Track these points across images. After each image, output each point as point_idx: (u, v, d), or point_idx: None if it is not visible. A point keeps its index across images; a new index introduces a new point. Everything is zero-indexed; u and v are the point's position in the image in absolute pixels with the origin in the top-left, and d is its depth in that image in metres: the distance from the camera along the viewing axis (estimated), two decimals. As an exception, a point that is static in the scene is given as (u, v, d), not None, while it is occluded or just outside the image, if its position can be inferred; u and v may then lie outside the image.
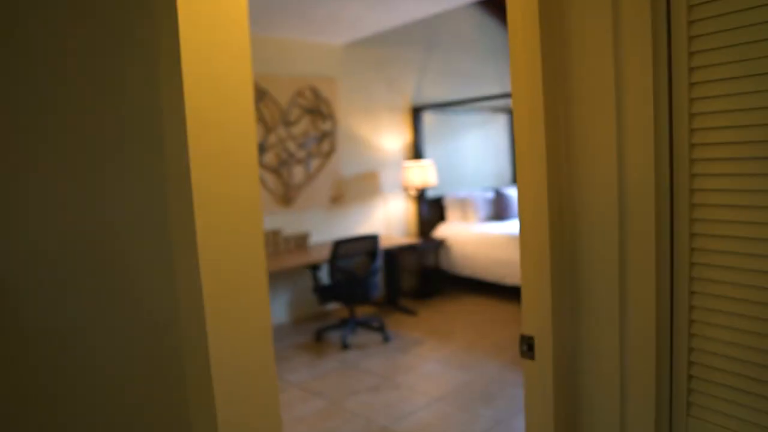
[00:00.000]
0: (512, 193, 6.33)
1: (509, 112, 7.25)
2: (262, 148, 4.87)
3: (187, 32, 1.00)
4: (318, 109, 5.25)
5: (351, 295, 4.43)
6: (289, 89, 5.04)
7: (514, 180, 7.31)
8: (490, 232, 5.61)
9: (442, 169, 6.33)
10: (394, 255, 5.42)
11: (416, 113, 6.01)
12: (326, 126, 5.33)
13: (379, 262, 4.52)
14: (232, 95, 1.08)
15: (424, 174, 5.61)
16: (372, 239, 4.45)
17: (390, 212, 5.94)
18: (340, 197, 5.46)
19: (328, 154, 5.36)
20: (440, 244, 5.83)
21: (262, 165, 4.88)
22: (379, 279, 4.90)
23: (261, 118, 4.85)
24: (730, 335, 1.02)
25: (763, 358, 0.98)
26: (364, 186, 5.70)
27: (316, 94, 5.22)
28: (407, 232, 6.05)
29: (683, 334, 1.08)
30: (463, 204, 6.19)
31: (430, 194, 6.21)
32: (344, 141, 5.50)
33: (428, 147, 6.23)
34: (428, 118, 6.25)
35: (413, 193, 5.95)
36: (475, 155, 6.82)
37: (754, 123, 0.96)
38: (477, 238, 5.65)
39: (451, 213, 6.26)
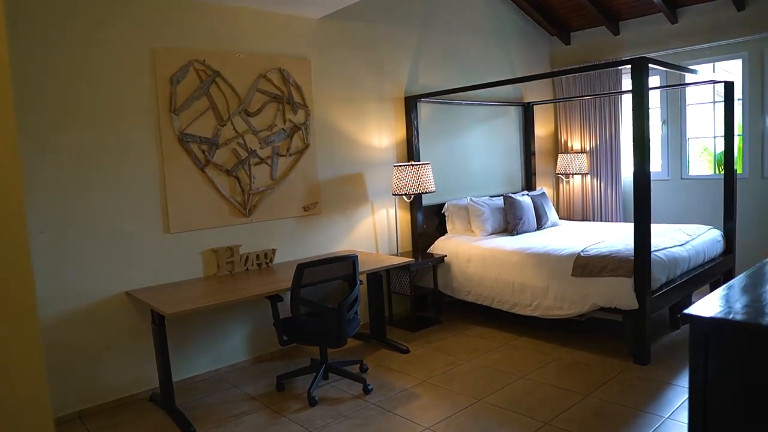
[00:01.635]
0: (526, 200, 5.30)
1: (522, 105, 6.23)
2: (213, 144, 3.85)
3: None
4: (287, 97, 4.24)
5: (319, 335, 3.40)
6: (250, 71, 4.03)
7: (529, 185, 6.28)
8: (500, 247, 4.58)
9: (442, 171, 5.31)
10: (381, 277, 4.39)
11: (410, 104, 5.00)
12: (297, 117, 4.31)
13: (358, 290, 3.49)
14: None
15: (419, 177, 4.59)
16: (348, 261, 3.43)
17: (378, 224, 4.92)
18: (314, 205, 4.44)
19: (300, 153, 4.35)
20: (439, 262, 4.81)
21: (215, 165, 3.87)
22: (361, 307, 3.88)
23: (212, 106, 3.84)
24: None
25: None
26: (346, 191, 4.68)
27: (284, 77, 4.21)
28: (399, 248, 5.03)
29: None
30: (467, 213, 5.16)
31: (427, 201, 5.19)
32: (321, 136, 4.48)
33: (425, 145, 5.21)
34: (425, 111, 5.24)
35: (407, 200, 4.93)
36: (481, 155, 5.80)
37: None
38: (484, 254, 4.63)
39: (452, 224, 5.24)
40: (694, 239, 4.54)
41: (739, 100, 5.24)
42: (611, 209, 6.25)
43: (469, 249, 4.80)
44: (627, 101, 6.13)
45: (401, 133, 5.06)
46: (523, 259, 4.37)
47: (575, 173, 6.33)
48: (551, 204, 5.69)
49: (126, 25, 3.46)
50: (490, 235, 5.14)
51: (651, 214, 3.66)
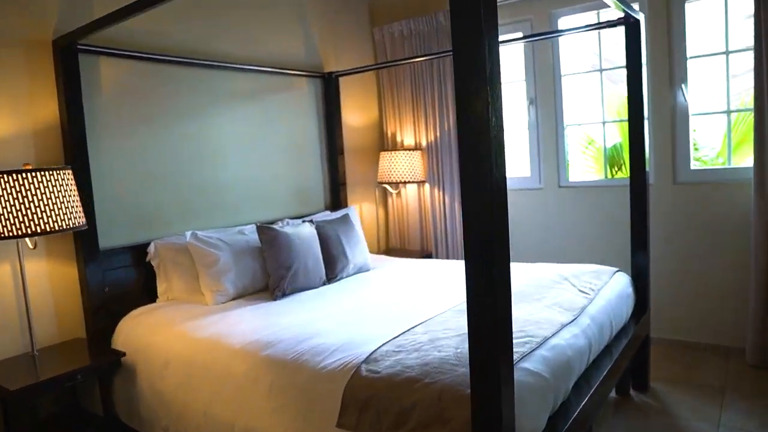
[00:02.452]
0: (304, 231, 2.95)
1: (321, 76, 3.90)
2: None
3: None
4: None
5: None
6: None
7: (336, 201, 4.00)
8: (222, 337, 2.17)
9: (155, 182, 2.83)
10: None
11: (66, 57, 2.46)
12: None
13: None
14: None
15: (57, 195, 2.07)
16: None
17: (5, 288, 2.31)
18: None
19: None
20: (115, 367, 2.31)
21: None
22: None
23: None
24: None
25: None
26: None
27: None
28: (36, 338, 2.44)
29: None
30: (192, 261, 2.73)
31: (121, 241, 2.65)
32: None
33: (112, 134, 2.69)
34: (111, 71, 2.73)
35: (30, 245, 2.39)
36: (245, 155, 3.38)
37: None
38: (194, 351, 2.21)
39: (167, 282, 2.82)
40: (590, 301, 2.43)
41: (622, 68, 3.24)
42: (460, 235, 4.12)
43: (172, 338, 2.33)
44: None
45: (48, 110, 2.50)
46: (253, 369, 1.99)
47: (407, 181, 4.12)
48: (359, 234, 3.39)
49: None
50: (233, 300, 2.72)
51: (508, 259, 1.46)
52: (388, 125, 4.40)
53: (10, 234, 2.08)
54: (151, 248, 2.73)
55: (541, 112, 3.91)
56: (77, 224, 2.25)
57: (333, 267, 3.06)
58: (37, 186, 2.12)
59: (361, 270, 3.24)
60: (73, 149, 2.49)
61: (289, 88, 3.73)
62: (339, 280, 3.06)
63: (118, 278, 2.69)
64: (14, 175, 2.09)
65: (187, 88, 3.07)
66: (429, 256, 4.22)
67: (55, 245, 2.51)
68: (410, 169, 4.07)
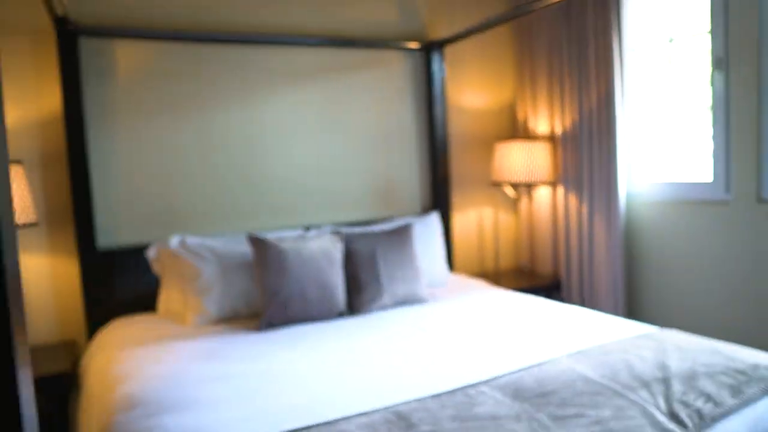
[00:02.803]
0: (311, 247, 2.34)
1: (422, 46, 3.14)
2: None
3: None
4: None
5: None
6: None
7: (440, 202, 3.26)
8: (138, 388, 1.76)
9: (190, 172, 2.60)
10: None
11: (67, 44, 2.34)
12: None
13: None
14: None
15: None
16: None
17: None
18: None
19: None
20: (67, 391, 2.14)
21: None
22: None
23: None
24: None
25: None
26: None
27: None
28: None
29: None
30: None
31: (131, 239, 2.50)
32: None
33: (119, 128, 2.51)
34: (129, 56, 2.53)
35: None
36: (315, 146, 2.92)
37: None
38: (122, 397, 1.85)
39: (168, 291, 2.52)
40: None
41: None
42: (603, 263, 2.94)
43: (97, 371, 1.99)
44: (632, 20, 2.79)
45: (53, 100, 2.42)
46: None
47: (523, 182, 3.09)
48: (414, 254, 2.58)
49: None
50: (217, 324, 2.30)
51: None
52: (521, 108, 3.39)
53: None
54: (152, 251, 2.45)
55: (735, 81, 2.46)
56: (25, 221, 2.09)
57: (358, 295, 2.39)
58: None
59: (406, 302, 2.48)
60: (72, 141, 2.35)
61: (375, 63, 3.08)
62: (366, 313, 2.37)
63: (129, 281, 2.50)
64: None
65: (226, 69, 2.72)
66: (557, 287, 3.15)
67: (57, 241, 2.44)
68: (531, 167, 3.03)
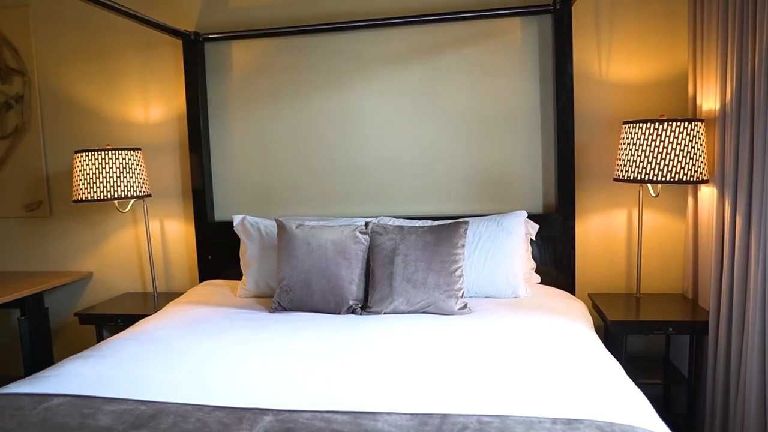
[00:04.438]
0: (329, 236, 2.33)
1: (550, 6, 2.65)
2: None
3: None
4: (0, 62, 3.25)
5: None
6: (-46, 35, 3.29)
7: (566, 197, 2.79)
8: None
9: (302, 161, 2.97)
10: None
11: (194, 49, 2.91)
12: (11, 88, 3.24)
13: None
14: None
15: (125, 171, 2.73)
16: None
17: (155, 242, 3.17)
18: (38, 205, 3.29)
19: (18, 135, 3.28)
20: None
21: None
22: None
23: None
24: None
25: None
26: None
27: (-6, 36, 3.23)
28: (156, 286, 3.15)
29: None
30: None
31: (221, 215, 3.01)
32: (50, 112, 3.22)
33: (235, 117, 2.98)
34: (244, 55, 2.96)
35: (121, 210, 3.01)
36: (410, 132, 2.85)
37: None
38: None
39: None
40: None
41: None
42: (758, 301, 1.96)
43: (162, 315, 2.46)
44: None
45: (183, 98, 3.04)
46: None
47: (695, 179, 2.23)
48: (451, 257, 2.22)
49: None
50: (252, 298, 2.55)
51: None
52: (690, 81, 2.44)
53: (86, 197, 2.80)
54: (236, 220, 2.72)
55: None
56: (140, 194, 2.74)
57: (371, 294, 2.26)
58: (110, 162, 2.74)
59: (427, 311, 2.20)
60: (193, 133, 2.93)
61: (483, 35, 2.71)
62: (376, 314, 2.23)
63: (232, 250, 2.95)
64: (99, 154, 2.77)
65: (321, 59, 2.87)
66: (704, 328, 2.24)
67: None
68: (691, 158, 2.20)
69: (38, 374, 1.75)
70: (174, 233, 3.15)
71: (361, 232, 2.34)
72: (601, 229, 2.71)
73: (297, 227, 2.38)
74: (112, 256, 3.23)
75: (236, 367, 1.69)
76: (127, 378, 1.63)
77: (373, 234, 2.34)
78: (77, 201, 2.78)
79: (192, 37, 2.86)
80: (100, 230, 3.23)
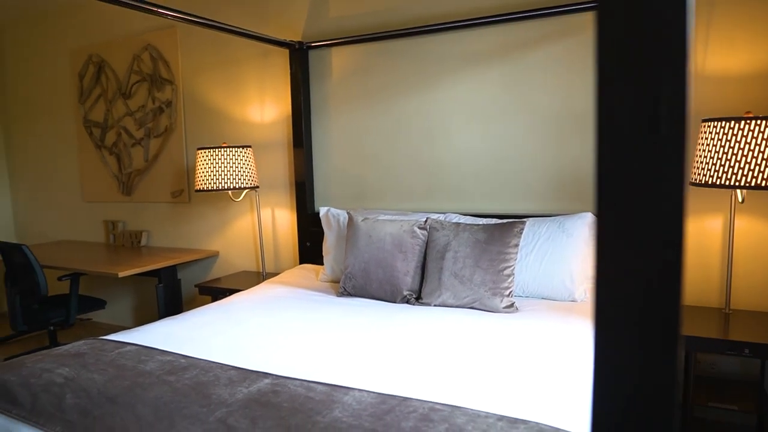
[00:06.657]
0: (391, 228, 2.50)
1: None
2: (103, 127, 4.24)
3: None
4: (156, 74, 3.91)
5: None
6: (126, 54, 4.03)
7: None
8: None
9: (383, 160, 3.20)
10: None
11: (297, 56, 3.25)
12: (163, 95, 3.89)
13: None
14: None
15: (234, 166, 3.19)
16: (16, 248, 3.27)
17: (265, 226, 3.61)
18: (180, 192, 3.91)
19: (167, 134, 3.92)
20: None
21: (105, 147, 4.26)
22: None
23: (102, 92, 4.21)
24: None
25: None
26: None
27: (153, 53, 3.90)
28: (265, 265, 3.54)
29: None
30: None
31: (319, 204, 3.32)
32: (190, 114, 3.81)
33: (341, 116, 3.27)
34: (342, 59, 3.23)
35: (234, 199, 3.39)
36: (499, 130, 2.90)
37: None
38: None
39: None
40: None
41: None
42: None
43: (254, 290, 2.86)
44: None
45: (287, 101, 3.39)
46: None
47: (727, 185, 1.99)
48: (502, 255, 2.24)
49: (51, 31, 4.41)
50: (330, 282, 2.80)
51: None
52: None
53: (209, 187, 3.27)
54: (322, 211, 3.01)
55: None
56: (249, 185, 3.14)
57: (423, 287, 2.38)
58: (221, 159, 3.18)
59: (474, 306, 2.25)
60: (297, 130, 3.27)
61: (564, 32, 2.66)
62: (426, 306, 2.34)
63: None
64: (214, 150, 3.22)
65: (413, 59, 3.02)
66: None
67: (281, 201, 3.43)
68: (745, 160, 1.99)
69: (138, 327, 2.18)
70: (282, 221, 3.54)
71: (419, 228, 2.46)
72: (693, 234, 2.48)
73: (362, 220, 2.58)
74: (234, 238, 3.74)
75: (271, 339, 1.94)
76: (188, 338, 1.97)
77: (431, 230, 2.45)
78: (198, 191, 3.28)
79: (297, 46, 3.20)
80: (226, 216, 3.76)
